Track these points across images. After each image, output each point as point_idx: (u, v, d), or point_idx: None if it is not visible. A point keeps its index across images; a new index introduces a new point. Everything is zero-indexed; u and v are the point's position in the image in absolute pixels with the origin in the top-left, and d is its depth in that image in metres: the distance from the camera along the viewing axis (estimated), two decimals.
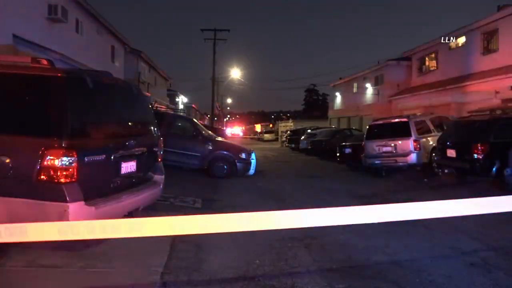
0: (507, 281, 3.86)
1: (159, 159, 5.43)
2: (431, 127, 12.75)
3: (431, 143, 12.24)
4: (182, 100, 47.40)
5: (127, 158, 4.53)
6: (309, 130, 26.92)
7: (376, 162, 12.80)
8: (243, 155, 11.53)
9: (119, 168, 4.39)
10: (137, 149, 4.73)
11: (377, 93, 30.99)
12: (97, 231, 1.87)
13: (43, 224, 1.91)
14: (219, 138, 13.32)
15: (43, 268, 3.73)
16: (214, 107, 37.85)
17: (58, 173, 3.57)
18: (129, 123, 4.86)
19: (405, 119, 12.69)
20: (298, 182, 11.90)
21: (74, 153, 3.64)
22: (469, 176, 10.06)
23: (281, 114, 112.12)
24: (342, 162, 15.84)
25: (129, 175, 4.60)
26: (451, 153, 9.93)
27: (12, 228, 1.83)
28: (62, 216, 3.54)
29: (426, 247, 4.95)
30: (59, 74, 3.91)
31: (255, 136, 63.48)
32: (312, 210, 2.08)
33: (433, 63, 24.94)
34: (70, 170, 3.63)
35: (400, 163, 12.25)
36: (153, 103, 15.18)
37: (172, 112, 17.50)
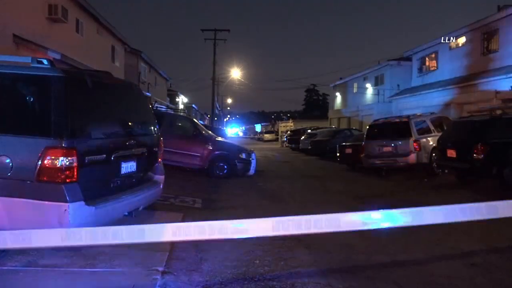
0: (508, 281, 3.86)
1: (159, 159, 5.43)
2: (431, 127, 12.74)
3: (431, 143, 12.23)
4: (182, 100, 47.39)
5: (127, 158, 4.53)
6: (309, 130, 26.95)
7: (377, 162, 12.80)
8: (243, 155, 11.53)
9: (119, 168, 4.39)
10: (137, 149, 4.73)
11: (377, 93, 31.00)
12: (99, 237, 1.88)
13: (47, 231, 1.92)
14: (219, 138, 13.32)
15: (43, 268, 3.72)
16: (214, 107, 37.84)
17: (58, 173, 3.57)
18: (129, 123, 4.86)
19: (405, 119, 12.69)
20: (298, 182, 11.90)
21: (74, 153, 3.64)
22: (469, 176, 10.06)
23: (281, 114, 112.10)
24: (342, 162, 15.84)
25: (129, 175, 4.60)
26: (451, 153, 9.93)
27: (17, 234, 1.84)
28: (62, 216, 3.54)
29: (426, 247, 4.95)
30: (59, 74, 3.91)
31: (255, 136, 63.50)
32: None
33: (433, 63, 24.94)
34: (70, 170, 3.63)
35: (401, 163, 12.25)
36: (153, 103, 15.18)
37: (172, 112, 17.50)
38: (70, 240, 1.87)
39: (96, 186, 4.07)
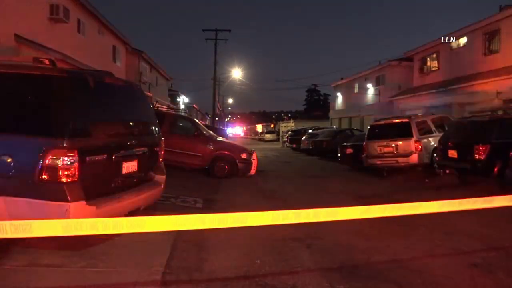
0: (509, 281, 3.86)
1: (160, 159, 5.44)
2: (433, 128, 12.73)
3: (432, 143, 12.22)
4: (183, 100, 47.42)
5: (128, 158, 4.53)
6: (310, 130, 26.93)
7: (378, 162, 12.79)
8: (244, 155, 11.53)
9: (120, 168, 4.40)
10: (138, 149, 4.73)
11: (378, 93, 30.96)
12: (100, 227, 1.89)
13: (47, 221, 1.92)
14: (220, 138, 13.32)
15: (44, 267, 3.73)
16: (215, 107, 37.85)
17: (60, 173, 3.58)
18: (131, 123, 4.86)
19: (406, 120, 12.69)
20: (299, 182, 11.90)
21: (76, 152, 3.65)
22: (471, 176, 10.05)
23: (282, 114, 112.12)
24: (343, 162, 15.84)
25: (130, 175, 4.60)
26: (453, 153, 9.92)
27: (17, 224, 1.83)
28: (63, 216, 3.54)
29: (427, 247, 4.95)
30: (60, 74, 3.91)
31: (256, 136, 63.51)
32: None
33: (435, 63, 24.90)
34: (72, 169, 3.63)
35: (402, 164, 12.24)
36: (155, 103, 15.19)
37: (173, 112, 17.50)
38: (70, 230, 1.87)
39: (97, 186, 4.07)
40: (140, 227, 1.92)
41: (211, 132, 13.30)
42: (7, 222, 1.81)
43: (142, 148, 4.83)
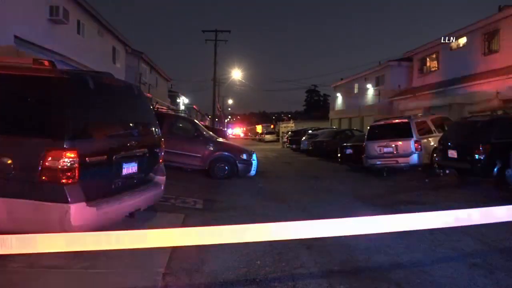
0: (509, 281, 3.86)
1: (160, 160, 5.44)
2: (432, 128, 12.75)
3: (432, 143, 12.24)
4: (183, 101, 47.43)
5: (128, 159, 4.54)
6: (310, 131, 26.96)
7: (377, 162, 12.80)
8: (244, 156, 11.53)
9: (121, 169, 4.40)
10: (138, 150, 4.74)
11: (378, 94, 30.97)
12: (103, 242, 1.91)
13: (52, 236, 1.93)
14: (220, 139, 13.32)
15: (44, 269, 3.73)
16: (215, 108, 37.84)
17: (60, 174, 3.58)
18: (130, 124, 4.87)
19: (406, 120, 12.70)
20: (299, 182, 11.90)
21: (76, 154, 3.65)
22: (470, 176, 10.05)
23: (282, 115, 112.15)
24: (343, 163, 15.84)
25: (130, 176, 4.60)
26: (452, 153, 9.93)
27: (23, 239, 1.85)
28: (64, 217, 3.55)
29: (428, 248, 4.94)
30: (60, 75, 3.92)
31: (256, 137, 63.53)
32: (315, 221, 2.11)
33: (434, 63, 24.91)
34: (72, 171, 3.63)
35: (401, 164, 12.25)
36: (154, 104, 15.19)
37: (173, 113, 17.50)
38: (74, 245, 1.89)
39: (97, 187, 4.08)
40: (142, 242, 1.95)
41: (211, 133, 13.30)
42: (14, 237, 1.82)
43: (142, 149, 4.83)
